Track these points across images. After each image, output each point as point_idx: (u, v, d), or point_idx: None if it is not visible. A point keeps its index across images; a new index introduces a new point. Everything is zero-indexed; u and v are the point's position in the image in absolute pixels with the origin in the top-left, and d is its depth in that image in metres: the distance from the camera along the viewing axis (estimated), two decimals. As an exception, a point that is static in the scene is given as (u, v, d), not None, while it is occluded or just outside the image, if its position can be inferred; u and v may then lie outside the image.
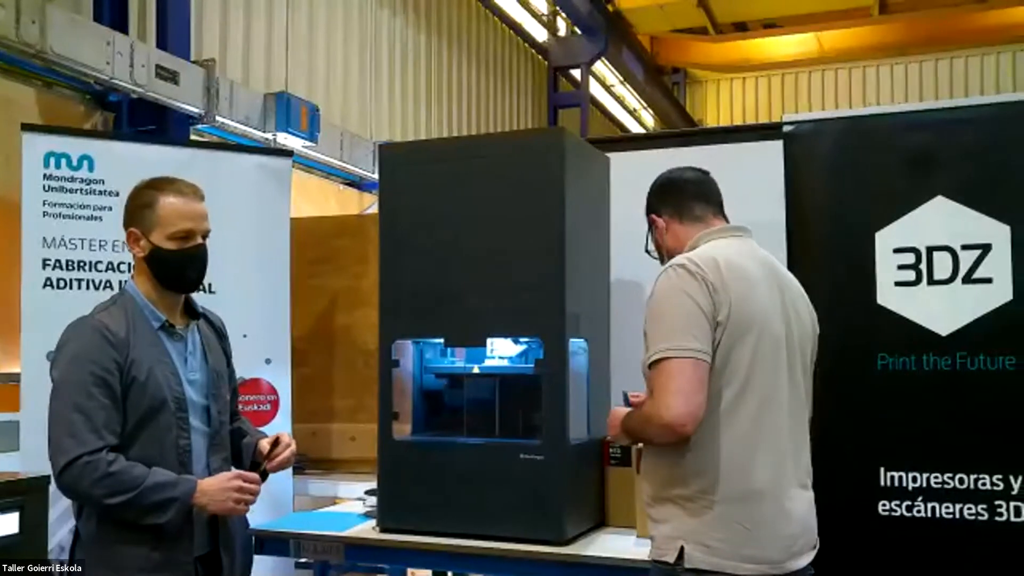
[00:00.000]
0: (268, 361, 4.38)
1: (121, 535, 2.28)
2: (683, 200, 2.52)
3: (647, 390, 2.28)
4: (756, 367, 2.23)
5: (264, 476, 2.49)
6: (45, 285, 3.88)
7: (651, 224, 2.57)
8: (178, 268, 2.41)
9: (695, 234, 2.44)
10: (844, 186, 3.19)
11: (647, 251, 2.64)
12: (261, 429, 2.76)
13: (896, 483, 3.03)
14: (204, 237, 2.45)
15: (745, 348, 2.21)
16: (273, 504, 3.95)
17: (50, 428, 2.28)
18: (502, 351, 3.23)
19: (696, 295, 2.19)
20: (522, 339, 3.15)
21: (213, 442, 2.46)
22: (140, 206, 2.40)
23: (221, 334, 2.63)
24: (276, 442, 2.55)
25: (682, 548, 2.19)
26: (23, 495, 3.13)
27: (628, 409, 2.45)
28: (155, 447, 2.32)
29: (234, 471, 2.44)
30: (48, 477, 3.36)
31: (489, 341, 3.19)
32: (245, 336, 4.23)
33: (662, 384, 2.15)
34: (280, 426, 4.28)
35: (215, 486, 2.34)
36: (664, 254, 2.53)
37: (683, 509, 2.22)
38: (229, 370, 2.63)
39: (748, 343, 2.22)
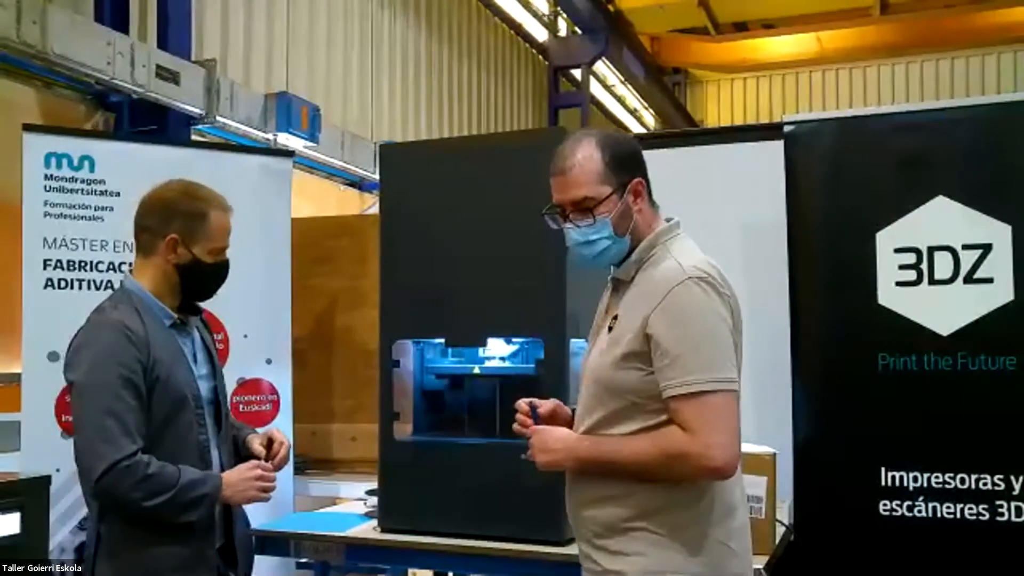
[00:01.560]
0: (269, 361, 4.38)
1: (150, 536, 2.27)
2: (647, 175, 2.16)
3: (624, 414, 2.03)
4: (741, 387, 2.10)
5: None
6: (46, 285, 3.88)
7: (622, 191, 2.09)
8: (212, 281, 2.47)
9: (657, 224, 2.14)
10: (844, 186, 3.18)
11: (567, 222, 2.12)
12: (260, 429, 2.75)
13: (897, 483, 3.03)
14: None
15: (740, 369, 2.07)
16: (274, 504, 3.91)
17: (81, 433, 2.24)
18: (498, 351, 3.22)
19: (727, 317, 1.99)
20: (523, 339, 3.15)
21: (221, 437, 2.47)
22: (190, 215, 2.39)
23: (208, 326, 2.65)
24: (270, 441, 2.54)
25: None
26: (24, 495, 3.14)
27: (567, 431, 2.14)
28: (179, 445, 2.32)
29: (253, 461, 2.44)
30: (49, 477, 3.38)
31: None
32: (246, 336, 4.25)
33: (711, 421, 1.92)
34: (281, 426, 4.26)
35: (238, 477, 2.36)
36: (622, 234, 2.10)
37: (660, 537, 2.00)
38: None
39: (741, 362, 2.07)
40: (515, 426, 2.22)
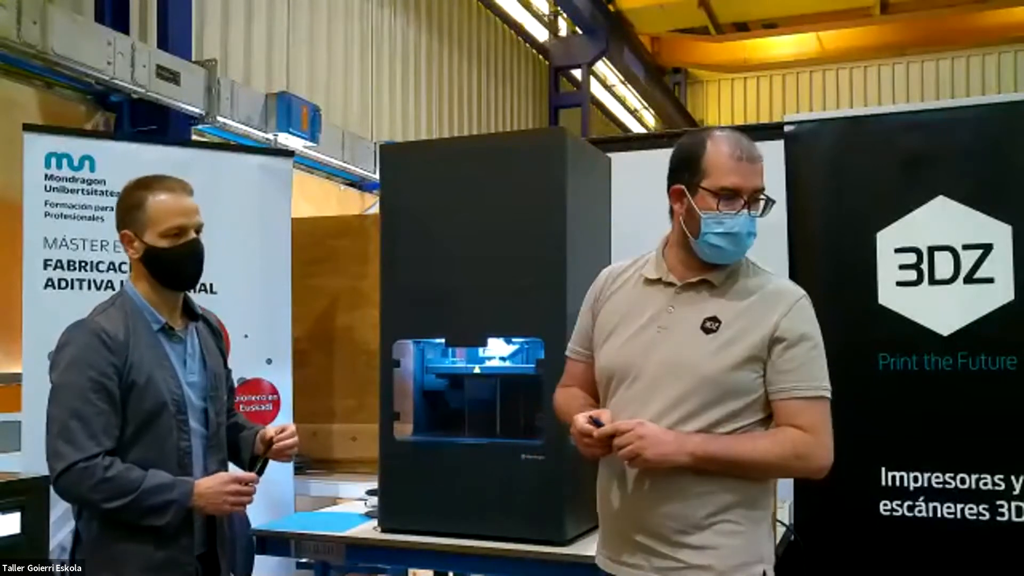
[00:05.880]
0: (269, 361, 4.38)
1: (123, 536, 2.29)
2: None
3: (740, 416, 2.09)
4: None
5: (263, 466, 2.51)
6: (46, 285, 3.88)
7: (679, 198, 2.17)
8: (175, 265, 2.40)
9: None
10: (845, 186, 3.19)
11: (747, 208, 2.10)
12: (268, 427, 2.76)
13: (898, 483, 3.03)
14: (197, 232, 2.43)
15: None
16: (274, 504, 3.95)
17: (48, 433, 2.27)
18: (497, 351, 3.23)
19: None
20: (524, 339, 3.15)
21: (210, 444, 2.46)
22: (130, 207, 2.39)
23: (217, 333, 2.63)
24: (281, 431, 2.55)
25: (764, 573, 2.10)
26: (24, 495, 3.13)
27: (663, 430, 2.06)
28: (156, 450, 2.32)
29: (231, 473, 2.44)
30: (49, 477, 3.37)
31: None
32: (246, 336, 4.25)
33: (827, 425, 2.13)
34: (281, 426, 4.29)
35: (211, 488, 2.34)
36: (682, 235, 2.16)
37: (743, 529, 2.09)
38: (226, 369, 2.63)
39: None
40: (581, 437, 2.10)
